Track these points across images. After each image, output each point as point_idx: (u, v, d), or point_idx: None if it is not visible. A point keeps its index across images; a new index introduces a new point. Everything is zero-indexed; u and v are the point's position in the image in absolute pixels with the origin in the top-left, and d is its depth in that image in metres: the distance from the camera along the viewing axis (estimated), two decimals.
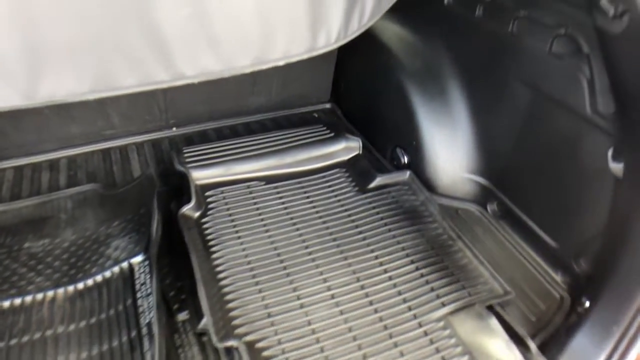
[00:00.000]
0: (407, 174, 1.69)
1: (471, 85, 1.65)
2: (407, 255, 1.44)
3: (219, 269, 1.36)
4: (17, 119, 1.78)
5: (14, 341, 1.25)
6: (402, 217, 1.56)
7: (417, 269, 1.40)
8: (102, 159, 1.89)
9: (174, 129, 2.02)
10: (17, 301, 1.34)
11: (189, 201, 1.53)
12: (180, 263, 1.40)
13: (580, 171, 1.34)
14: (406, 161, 1.80)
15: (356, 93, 2.12)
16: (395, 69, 1.83)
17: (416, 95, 1.74)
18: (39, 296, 1.35)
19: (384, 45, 1.88)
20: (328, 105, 2.23)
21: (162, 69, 1.22)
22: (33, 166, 1.86)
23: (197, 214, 1.53)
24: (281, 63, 1.32)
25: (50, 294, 1.35)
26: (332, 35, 1.36)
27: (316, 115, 2.16)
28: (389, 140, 1.89)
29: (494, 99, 1.58)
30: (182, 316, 1.31)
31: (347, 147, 1.78)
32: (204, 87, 1.90)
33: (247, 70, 1.29)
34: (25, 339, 1.25)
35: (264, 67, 1.31)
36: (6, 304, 1.33)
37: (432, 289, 1.34)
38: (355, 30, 1.40)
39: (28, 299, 1.34)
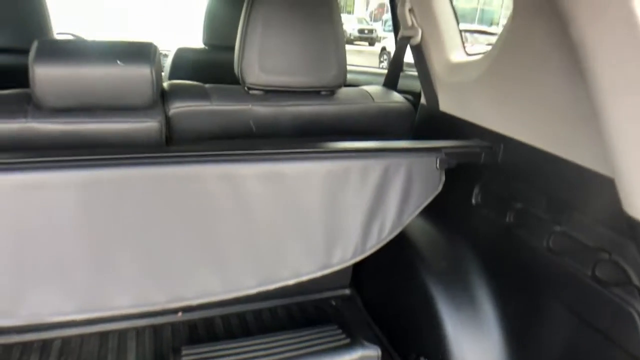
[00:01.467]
0: None
1: (503, 298, 1.49)
2: None
3: None
4: None
5: None
6: None
7: None
8: (98, 344, 1.74)
9: (180, 314, 1.89)
10: None
11: None
12: None
13: None
14: None
15: (378, 283, 1.98)
16: (419, 267, 1.70)
17: (442, 301, 1.59)
18: None
19: (409, 238, 1.78)
20: (347, 291, 2.08)
21: (157, 289, 1.13)
22: (23, 345, 1.72)
23: None
24: (291, 282, 1.21)
25: None
26: (348, 251, 1.27)
27: (334, 304, 2.01)
28: (412, 346, 1.70)
29: (530, 319, 1.41)
30: None
31: (364, 357, 1.59)
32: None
33: (253, 291, 1.18)
34: None
35: (272, 287, 1.20)
36: None
37: None
38: (374, 244, 1.31)
39: None
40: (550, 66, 1.19)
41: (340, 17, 1.59)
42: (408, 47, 1.85)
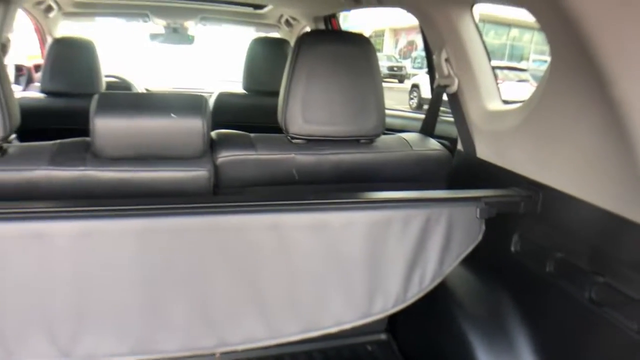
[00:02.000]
0: None
1: (543, 348, 1.47)
2: None
3: None
4: None
5: None
6: None
7: None
8: None
9: (218, 355, 1.91)
10: None
11: None
12: None
13: None
14: None
15: (414, 329, 1.96)
16: (457, 314, 1.69)
17: (480, 349, 1.56)
18: None
19: (446, 284, 1.77)
20: (383, 336, 2.07)
21: (205, 335, 1.16)
22: None
23: None
24: (333, 330, 1.23)
25: None
26: (389, 300, 1.28)
27: (369, 349, 2.00)
28: None
29: None
30: None
31: None
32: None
33: (295, 338, 1.20)
34: None
35: (314, 334, 1.22)
36: None
37: None
38: (415, 294, 1.32)
39: None
40: (589, 118, 1.20)
41: (379, 68, 1.66)
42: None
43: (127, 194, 1.36)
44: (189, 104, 1.41)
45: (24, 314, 1.11)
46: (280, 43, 2.85)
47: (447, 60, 1.81)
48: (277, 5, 3.27)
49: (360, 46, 1.61)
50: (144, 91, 4.09)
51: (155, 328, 1.14)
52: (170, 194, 1.39)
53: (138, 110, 1.36)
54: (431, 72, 2.43)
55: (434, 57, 1.88)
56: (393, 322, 2.09)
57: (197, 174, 1.42)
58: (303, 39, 1.58)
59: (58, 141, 1.46)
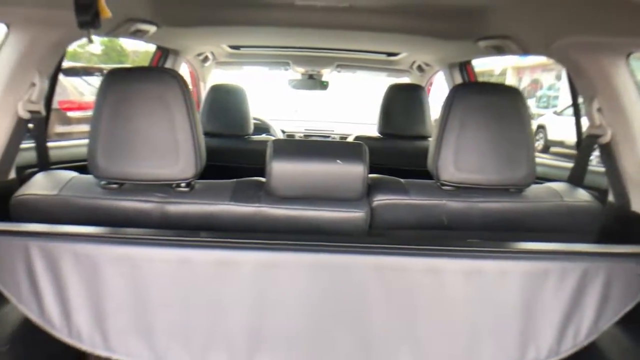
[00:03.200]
0: None
1: None
2: None
3: None
4: None
5: None
6: None
7: None
8: None
9: None
10: None
11: None
12: None
13: None
14: None
15: None
16: None
17: None
18: None
19: (599, 343, 1.69)
20: None
21: None
22: None
23: None
24: None
25: None
26: (542, 352, 1.28)
27: None
28: None
29: None
30: None
31: None
32: None
33: None
34: None
35: None
36: None
37: None
38: (568, 348, 1.30)
39: None
40: None
41: (530, 119, 1.68)
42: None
43: (295, 230, 1.53)
44: (351, 150, 1.57)
45: (210, 330, 1.30)
46: (416, 89, 2.97)
47: (599, 110, 1.78)
48: (412, 52, 3.41)
49: (512, 97, 1.65)
50: (280, 133, 4.45)
51: (319, 356, 1.26)
52: (330, 232, 1.54)
53: (309, 156, 1.54)
54: (577, 118, 2.37)
55: (585, 106, 1.86)
56: None
57: (356, 215, 1.55)
58: (457, 90, 1.67)
59: (236, 180, 1.69)
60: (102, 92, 1.55)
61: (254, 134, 3.05)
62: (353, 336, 1.25)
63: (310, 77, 4.27)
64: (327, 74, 4.26)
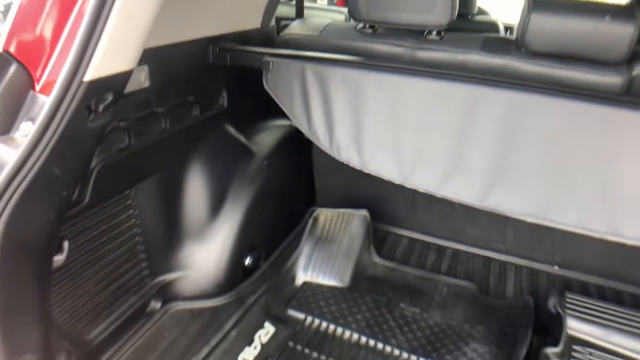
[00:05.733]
0: None
1: None
2: None
3: None
4: (432, 203, 2.13)
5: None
6: None
7: None
8: (482, 264, 2.05)
9: (556, 267, 2.02)
10: (380, 345, 1.58)
11: (555, 344, 1.51)
12: None
13: None
14: None
15: None
16: None
17: None
18: (396, 352, 1.56)
19: None
20: None
21: (601, 220, 1.27)
22: (423, 243, 2.18)
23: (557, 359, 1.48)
24: None
25: (404, 355, 1.55)
26: None
27: None
28: None
29: None
30: None
31: None
32: (600, 242, 1.85)
33: None
34: None
35: None
36: (372, 342, 1.59)
37: None
38: None
39: (387, 348, 1.57)
40: None
41: None
42: None
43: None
44: (622, 10, 1.45)
45: (450, 156, 1.43)
46: None
47: None
48: None
49: None
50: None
51: (559, 200, 1.31)
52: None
53: (573, 10, 1.48)
54: None
55: None
56: None
57: (612, 80, 1.47)
58: None
59: (485, 34, 1.72)
60: None
61: None
62: (598, 189, 1.27)
63: None
64: None
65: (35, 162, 0.92)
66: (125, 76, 1.04)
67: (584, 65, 1.51)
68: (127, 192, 1.49)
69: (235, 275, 1.80)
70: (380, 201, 2.19)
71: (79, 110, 0.96)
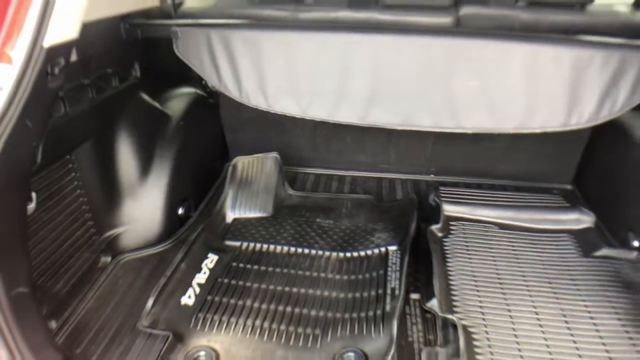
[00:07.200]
0: (635, 254, 1.82)
1: None
2: (620, 319, 1.58)
3: (450, 274, 1.75)
4: (328, 141, 2.53)
5: (299, 272, 1.85)
6: (621, 288, 1.70)
7: (626, 332, 1.53)
8: (375, 183, 2.51)
9: (432, 175, 2.54)
10: (306, 251, 1.95)
11: (437, 223, 1.99)
12: (421, 262, 1.85)
13: None
14: (637, 245, 1.90)
15: (599, 181, 2.27)
16: None
17: None
18: (320, 252, 1.94)
19: (636, 143, 2.03)
20: (569, 187, 2.44)
21: (449, 118, 1.74)
22: (327, 176, 2.59)
23: (440, 234, 1.96)
24: (538, 131, 1.70)
25: (327, 254, 1.94)
26: (584, 116, 1.69)
27: (556, 192, 2.40)
28: (623, 224, 2.00)
29: None
30: (414, 296, 1.72)
31: (580, 219, 2.01)
32: (463, 148, 2.38)
33: (511, 132, 1.72)
34: (307, 273, 1.84)
35: (525, 131, 1.71)
36: (300, 250, 1.96)
37: (638, 351, 1.47)
38: (605, 115, 1.69)
39: (313, 252, 1.95)
40: None
41: None
42: None
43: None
44: None
45: (339, 91, 1.82)
46: None
47: None
48: None
49: None
50: None
51: (418, 110, 1.77)
52: None
53: None
54: None
55: None
56: (579, 177, 2.41)
57: (445, 20, 2.00)
58: None
59: None
60: None
61: None
62: (443, 96, 1.73)
63: None
64: None
65: (12, 115, 1.12)
66: (72, 44, 1.26)
67: (424, 11, 2.01)
68: (69, 156, 1.68)
69: (172, 223, 2.06)
70: (285, 147, 2.54)
71: (42, 73, 1.17)
